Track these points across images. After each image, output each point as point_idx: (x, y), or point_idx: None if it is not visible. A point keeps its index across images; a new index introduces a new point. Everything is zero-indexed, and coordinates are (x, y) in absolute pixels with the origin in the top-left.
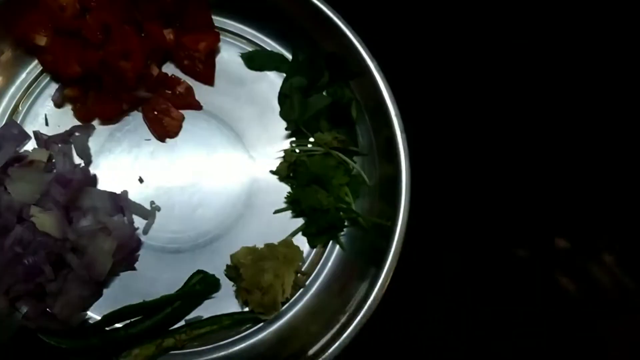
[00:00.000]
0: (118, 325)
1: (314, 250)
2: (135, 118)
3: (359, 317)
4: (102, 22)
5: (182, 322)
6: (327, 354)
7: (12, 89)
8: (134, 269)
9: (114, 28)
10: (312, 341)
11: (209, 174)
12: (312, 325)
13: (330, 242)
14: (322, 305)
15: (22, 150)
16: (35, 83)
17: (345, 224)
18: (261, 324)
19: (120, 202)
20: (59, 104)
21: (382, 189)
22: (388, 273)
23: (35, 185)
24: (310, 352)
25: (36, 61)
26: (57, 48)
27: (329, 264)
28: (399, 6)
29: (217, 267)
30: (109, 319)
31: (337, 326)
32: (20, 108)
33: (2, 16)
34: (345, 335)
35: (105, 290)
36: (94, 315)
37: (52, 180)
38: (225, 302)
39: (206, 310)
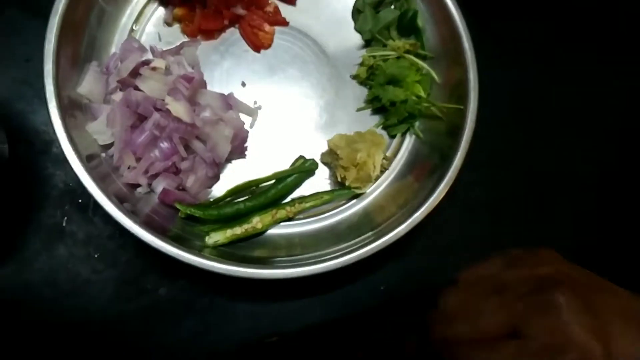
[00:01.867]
0: (239, 200)
1: (394, 140)
2: (234, 34)
3: (429, 202)
4: None
5: (289, 199)
6: (399, 228)
7: (126, 15)
8: (244, 156)
9: None
10: (391, 218)
11: (299, 78)
12: (392, 204)
13: (407, 134)
14: (401, 188)
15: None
16: (145, 7)
17: (421, 113)
18: (352, 202)
19: (229, 101)
20: (169, 23)
21: (452, 88)
22: (460, 159)
23: (162, 83)
24: (389, 226)
25: None
26: None
27: (407, 151)
28: None
29: (312, 155)
30: (232, 193)
31: (412, 204)
32: (135, 28)
33: None
34: (415, 215)
35: (222, 175)
36: (215, 194)
37: (178, 78)
38: (321, 185)
39: (306, 191)
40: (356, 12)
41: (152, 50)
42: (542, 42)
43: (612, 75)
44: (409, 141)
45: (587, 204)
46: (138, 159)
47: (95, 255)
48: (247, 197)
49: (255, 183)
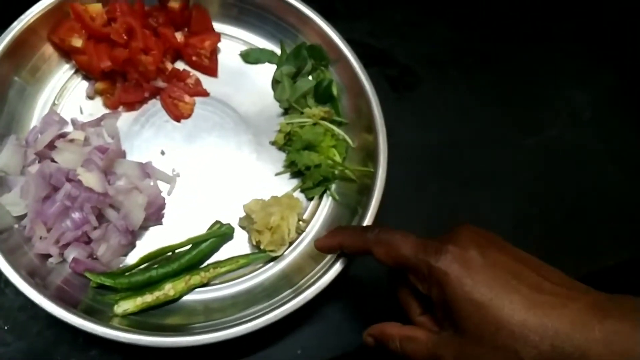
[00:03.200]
0: (152, 267)
1: (311, 203)
2: (155, 105)
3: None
4: (126, 26)
5: (205, 265)
6: (316, 285)
7: (48, 88)
8: (161, 223)
9: (136, 31)
10: (309, 277)
11: (219, 146)
12: (311, 264)
13: (324, 196)
14: None
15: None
16: (68, 82)
17: (335, 176)
18: (269, 264)
19: (146, 169)
20: (91, 97)
21: (365, 151)
22: (373, 213)
23: (77, 155)
24: (305, 284)
25: (67, 66)
26: (90, 49)
27: (324, 213)
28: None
29: (230, 220)
30: (145, 260)
31: (327, 262)
32: (57, 102)
33: (43, 26)
34: (333, 270)
35: (137, 242)
36: (129, 261)
37: (93, 149)
38: (239, 248)
39: (225, 256)
40: (275, 83)
41: (73, 122)
42: (459, 103)
43: (526, 134)
44: (325, 203)
45: None
46: (49, 229)
47: (5, 327)
48: (160, 263)
49: (170, 249)
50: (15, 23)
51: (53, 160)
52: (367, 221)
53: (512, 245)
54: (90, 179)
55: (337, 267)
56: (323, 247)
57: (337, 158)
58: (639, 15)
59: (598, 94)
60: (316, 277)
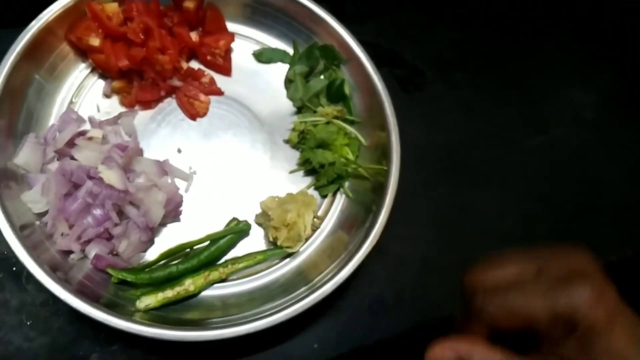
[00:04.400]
0: (171, 263)
1: (325, 200)
2: (171, 104)
3: (361, 250)
4: (143, 25)
5: (222, 261)
6: (332, 282)
7: (65, 88)
8: (178, 220)
9: (153, 30)
10: (324, 273)
11: (234, 144)
12: (326, 261)
13: (337, 193)
14: (333, 244)
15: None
16: (84, 80)
17: (349, 174)
18: (285, 261)
19: (164, 167)
20: (107, 95)
21: (377, 150)
22: (387, 210)
23: (96, 152)
24: (321, 280)
25: (83, 64)
26: (108, 48)
27: (338, 210)
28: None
29: (246, 217)
30: (164, 257)
31: (342, 259)
32: (74, 100)
33: (60, 25)
34: (349, 266)
35: (156, 239)
36: (148, 258)
37: (113, 147)
38: (255, 245)
39: (241, 252)
40: (288, 82)
41: (91, 120)
42: (466, 103)
43: (531, 134)
44: (339, 200)
45: None
46: (71, 226)
47: (28, 323)
48: (180, 260)
49: (189, 245)
50: (33, 22)
51: (72, 158)
52: (382, 219)
53: None
54: (112, 176)
55: (353, 264)
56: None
57: (350, 156)
58: None
59: (601, 94)
60: (332, 273)
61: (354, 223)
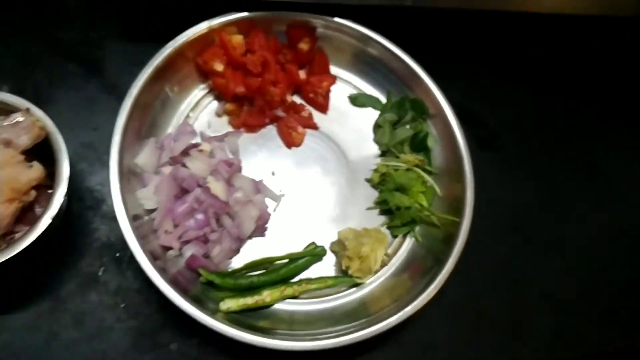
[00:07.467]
0: (253, 273)
1: (395, 240)
2: (271, 131)
3: (425, 293)
4: (262, 59)
5: (297, 279)
6: (395, 316)
7: (185, 103)
8: (264, 235)
9: (270, 64)
10: (384, 309)
11: (321, 175)
12: (387, 297)
13: (408, 237)
14: (396, 284)
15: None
16: (201, 99)
17: (421, 219)
18: (352, 290)
19: (259, 186)
20: (219, 115)
21: (451, 201)
22: (454, 260)
23: (206, 165)
24: (381, 315)
25: (202, 85)
26: (229, 74)
27: (406, 251)
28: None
29: (323, 243)
30: (249, 267)
31: (405, 298)
32: (190, 114)
33: (191, 48)
34: (406, 309)
35: (242, 249)
36: (234, 265)
37: (220, 162)
38: (325, 270)
39: (312, 274)
40: (377, 127)
41: (202, 135)
42: (536, 170)
43: (596, 207)
44: (408, 242)
45: (565, 324)
46: (175, 226)
47: (122, 305)
48: (261, 272)
49: (270, 260)
50: (170, 43)
51: (184, 165)
52: (448, 267)
53: None
54: (218, 187)
55: (417, 304)
56: None
57: (425, 203)
58: None
59: None
60: (394, 310)
61: (419, 267)
